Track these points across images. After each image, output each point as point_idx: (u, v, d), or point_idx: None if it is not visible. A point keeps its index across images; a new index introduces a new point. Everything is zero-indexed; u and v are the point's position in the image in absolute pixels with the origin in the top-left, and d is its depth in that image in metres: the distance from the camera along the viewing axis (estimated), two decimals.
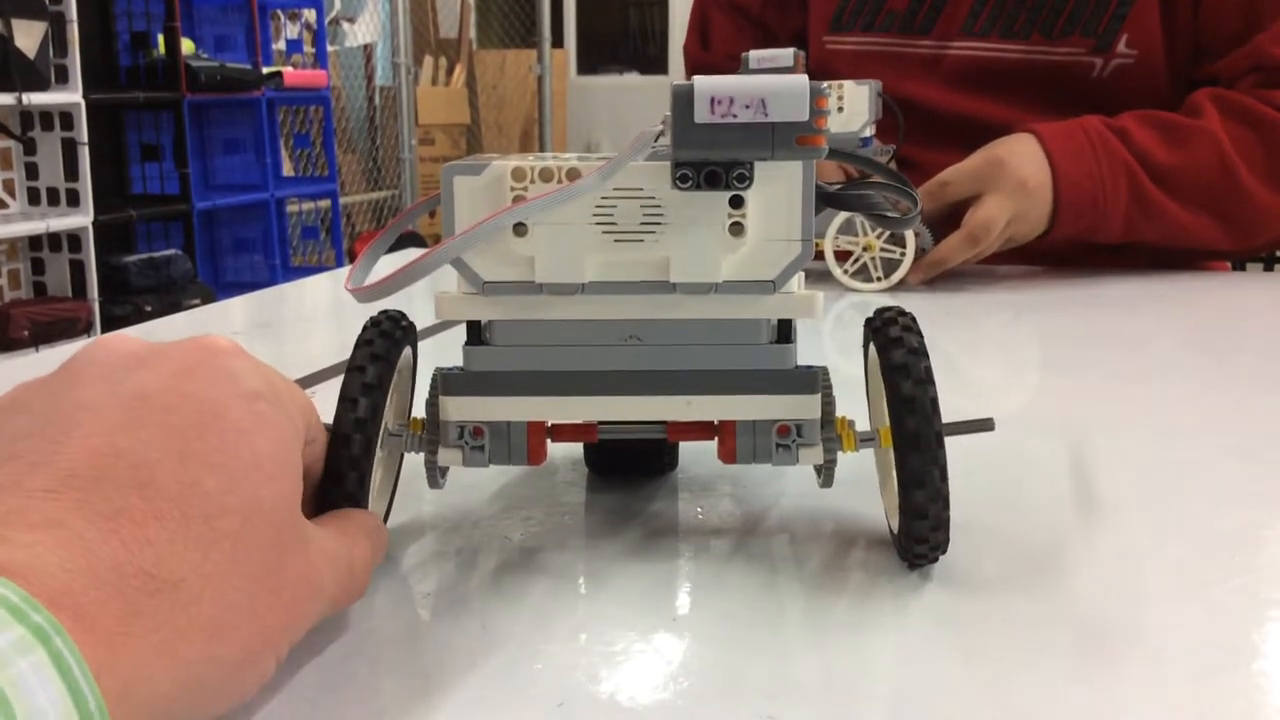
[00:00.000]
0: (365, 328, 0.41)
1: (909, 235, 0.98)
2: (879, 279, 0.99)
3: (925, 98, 1.17)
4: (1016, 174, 1.01)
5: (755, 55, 0.95)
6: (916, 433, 0.38)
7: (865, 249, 0.99)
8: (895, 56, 1.18)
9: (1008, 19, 1.14)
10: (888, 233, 0.97)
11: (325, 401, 0.39)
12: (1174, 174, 1.02)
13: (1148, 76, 1.11)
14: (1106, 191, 1.01)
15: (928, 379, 0.39)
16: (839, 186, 0.43)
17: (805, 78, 0.36)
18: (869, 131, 0.99)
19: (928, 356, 0.39)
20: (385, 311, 0.42)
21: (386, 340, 0.40)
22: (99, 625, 0.25)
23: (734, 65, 1.28)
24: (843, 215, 0.98)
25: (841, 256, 1.00)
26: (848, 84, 0.96)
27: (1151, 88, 1.10)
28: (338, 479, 0.39)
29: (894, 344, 0.40)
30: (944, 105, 1.17)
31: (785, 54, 0.94)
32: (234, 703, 0.30)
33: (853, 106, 0.97)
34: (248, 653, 0.30)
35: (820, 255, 0.99)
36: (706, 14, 1.35)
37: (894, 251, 0.98)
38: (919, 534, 0.39)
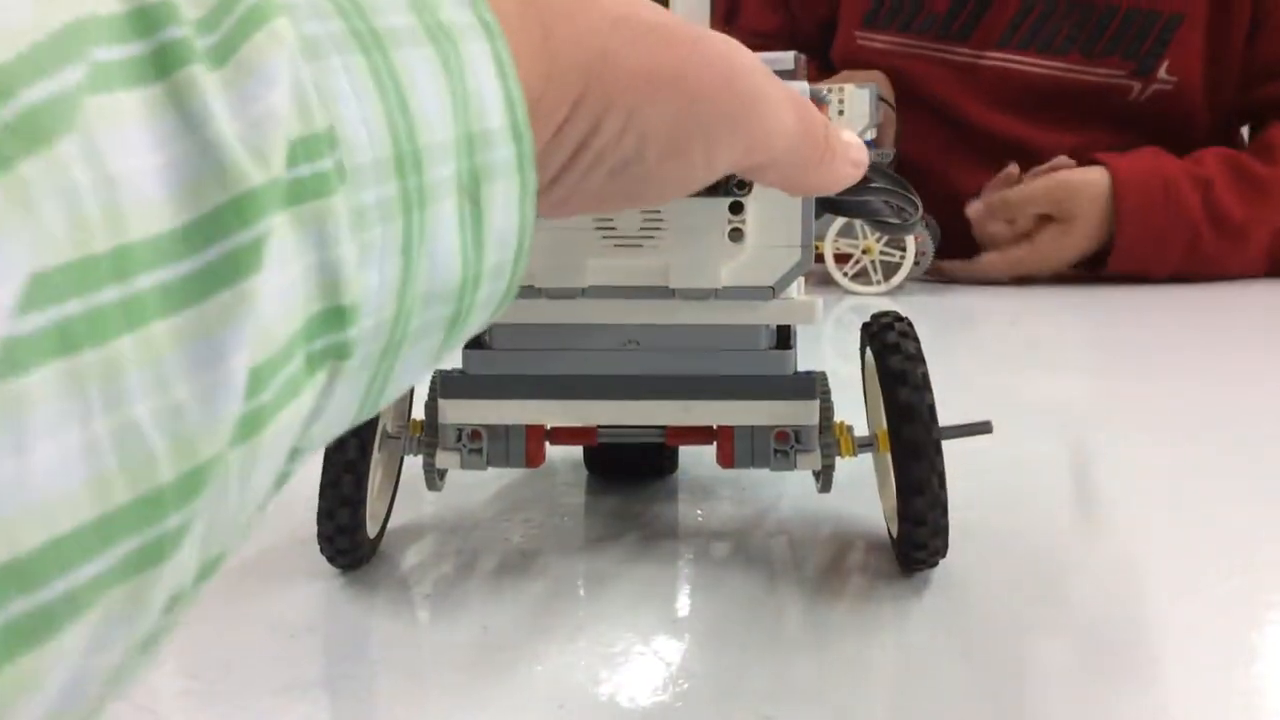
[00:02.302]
0: None
1: (909, 239, 0.99)
2: (879, 282, 0.99)
3: (956, 107, 1.16)
4: (1083, 210, 1.02)
5: (759, 58, 0.95)
6: (915, 440, 0.38)
7: (865, 252, 0.99)
8: (929, 60, 1.17)
9: (1049, 34, 1.13)
10: (888, 236, 0.98)
11: None
12: (1245, 229, 1.01)
13: (1185, 103, 1.10)
14: (1162, 257, 1.01)
15: (925, 385, 0.39)
16: (839, 191, 0.43)
17: (805, 84, 0.36)
18: (870, 135, 0.99)
19: (925, 362, 0.39)
20: None
21: None
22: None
23: (757, 44, 1.27)
24: (842, 219, 0.98)
25: (841, 259, 1.00)
26: (848, 87, 0.97)
27: (1187, 115, 1.09)
28: (334, 483, 0.39)
29: (891, 350, 0.40)
30: (974, 118, 1.16)
31: (785, 57, 0.94)
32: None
33: (853, 110, 0.98)
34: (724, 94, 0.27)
35: (820, 258, 0.99)
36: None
37: (893, 254, 0.99)
38: (918, 540, 0.39)
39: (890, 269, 0.99)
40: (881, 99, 1.01)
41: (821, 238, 0.99)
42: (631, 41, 0.25)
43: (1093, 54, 1.12)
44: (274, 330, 0.16)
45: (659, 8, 0.27)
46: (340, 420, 0.20)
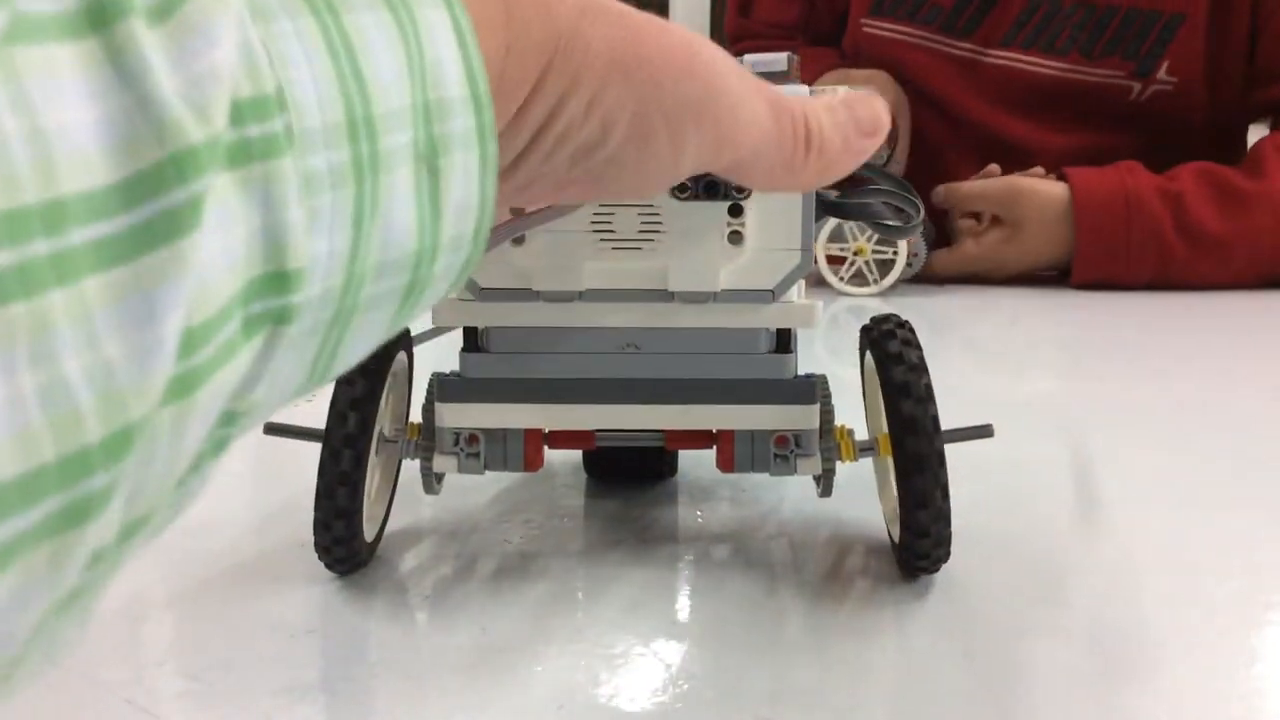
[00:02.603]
0: None
1: (899, 254, 0.99)
2: (875, 281, 0.99)
3: (956, 103, 1.17)
4: (1031, 217, 1.03)
5: (750, 59, 0.95)
6: (918, 453, 0.38)
7: (857, 253, 0.99)
8: (931, 53, 1.17)
9: (1051, 34, 1.13)
10: (877, 236, 0.98)
11: (322, 406, 0.40)
12: (1225, 242, 1.01)
13: (1186, 104, 1.10)
14: (1129, 269, 1.01)
15: (928, 397, 0.39)
16: (840, 194, 0.43)
17: (805, 86, 0.36)
18: None
19: (928, 372, 0.39)
20: None
21: (376, 351, 0.40)
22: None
23: (774, 35, 1.28)
24: (832, 222, 0.98)
25: (834, 262, 1.00)
26: (841, 89, 0.97)
27: (1188, 116, 1.09)
28: (329, 493, 0.39)
29: (894, 360, 0.39)
30: (974, 114, 1.16)
31: (779, 58, 0.94)
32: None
33: None
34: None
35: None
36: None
37: (886, 251, 0.99)
38: (921, 551, 0.39)
39: (885, 267, 0.99)
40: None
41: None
42: (597, 23, 0.25)
43: (1093, 54, 1.12)
44: (211, 291, 0.16)
45: (626, 6, 0.27)
46: (286, 387, 0.20)
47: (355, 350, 0.21)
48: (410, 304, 0.22)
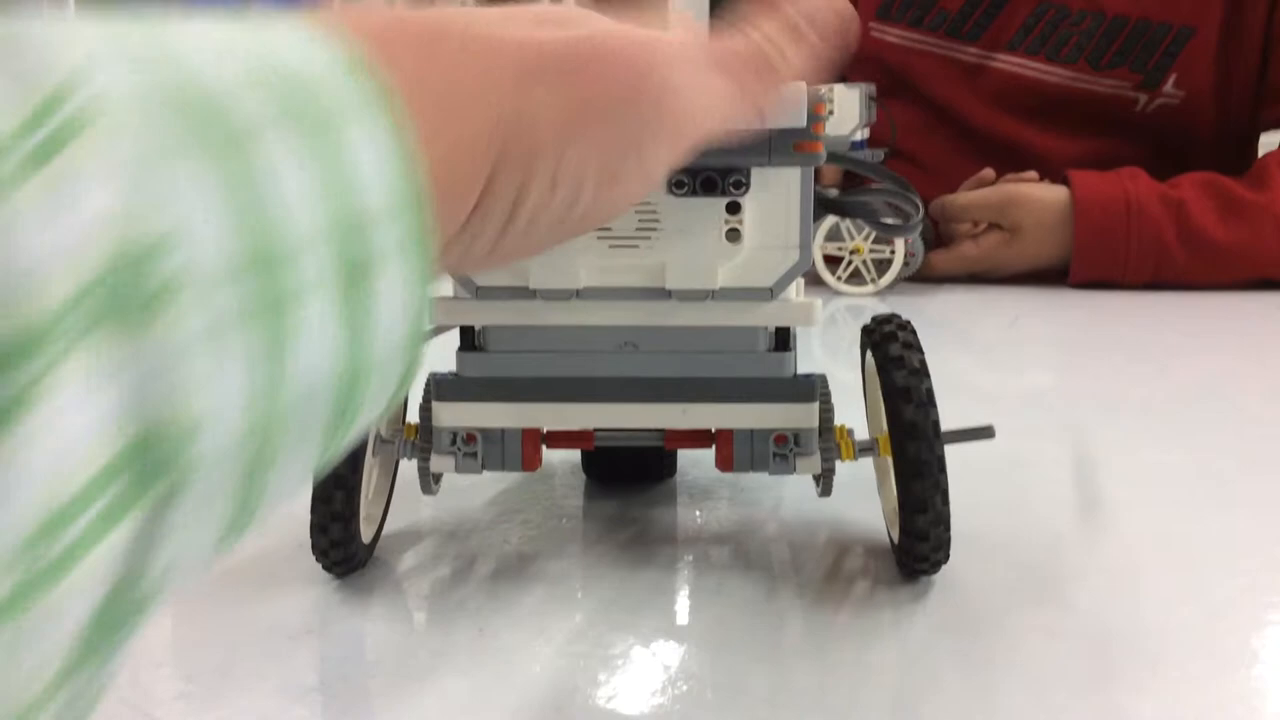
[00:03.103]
0: None
1: (896, 253, 0.98)
2: (873, 280, 0.99)
3: (960, 108, 1.17)
4: (1029, 222, 1.03)
5: None
6: (919, 459, 0.38)
7: (854, 252, 0.99)
8: (937, 58, 1.17)
9: (1058, 41, 1.13)
10: (874, 234, 0.97)
11: None
12: (1227, 250, 1.01)
13: (1192, 117, 1.10)
14: (1127, 271, 1.01)
15: (929, 401, 0.38)
16: (839, 192, 0.43)
17: (803, 84, 0.36)
18: (860, 135, 0.99)
19: (929, 375, 0.39)
20: None
21: None
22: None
23: None
24: (829, 220, 0.98)
25: (830, 261, 1.00)
26: (838, 87, 0.96)
27: (1194, 129, 1.09)
28: (326, 496, 0.39)
29: (895, 363, 0.39)
30: (977, 120, 1.16)
31: None
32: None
33: (843, 110, 0.97)
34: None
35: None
36: None
37: (883, 250, 0.98)
38: (920, 554, 0.39)
39: (882, 266, 0.99)
40: (873, 99, 1.00)
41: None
42: (535, 92, 0.24)
43: (1099, 64, 1.12)
44: (69, 469, 0.14)
45: (554, 13, 0.26)
46: (200, 547, 0.18)
47: (283, 490, 0.19)
48: (344, 430, 0.20)
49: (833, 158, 0.41)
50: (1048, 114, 1.14)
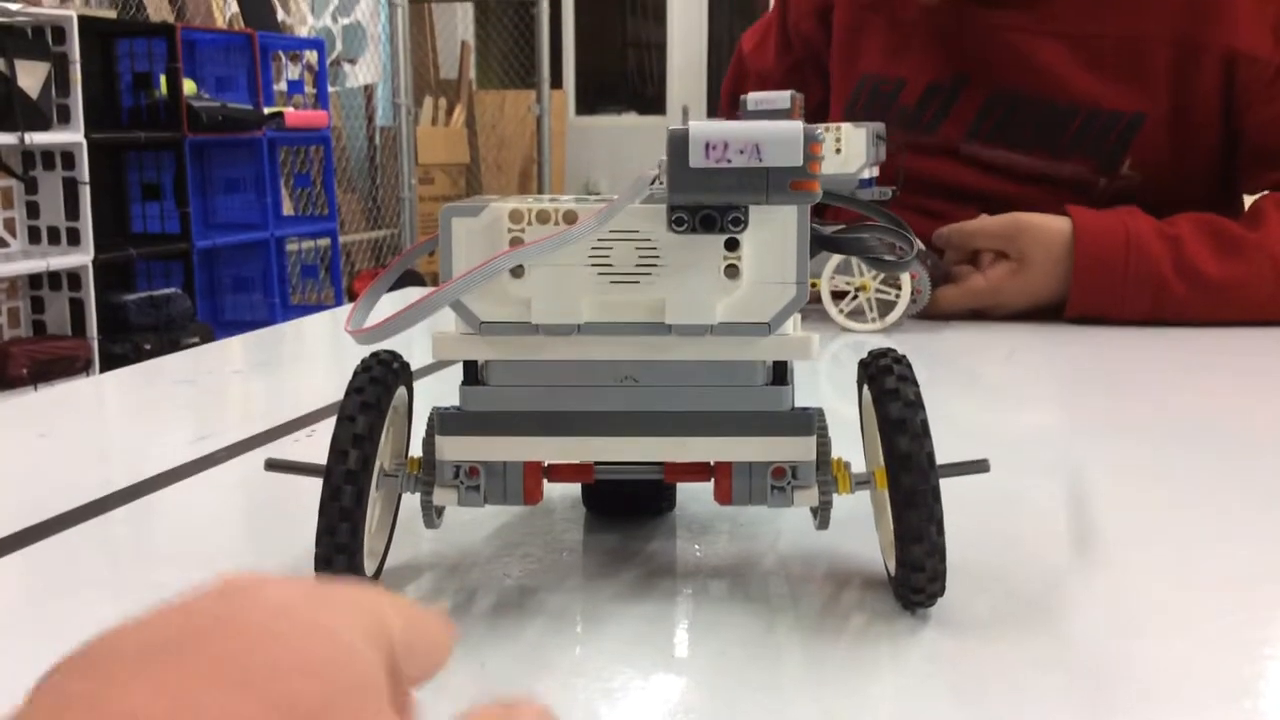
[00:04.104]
0: (356, 373, 0.41)
1: (905, 277, 0.98)
2: (874, 320, 0.99)
3: (948, 179, 1.18)
4: (1036, 251, 1.03)
5: (753, 98, 0.95)
6: (913, 489, 0.38)
7: (861, 289, 0.99)
8: (909, 144, 1.19)
9: (1014, 132, 1.15)
10: (882, 274, 0.98)
11: (323, 442, 0.40)
12: (1223, 287, 1.01)
13: (1153, 195, 1.11)
14: (1124, 304, 1.01)
15: (924, 433, 0.39)
16: (835, 229, 0.44)
17: (800, 123, 0.37)
18: (868, 174, 0.99)
19: (924, 408, 0.39)
20: (376, 354, 0.42)
21: (377, 387, 0.41)
22: None
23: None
24: (839, 255, 0.98)
25: (838, 296, 1.00)
26: (845, 126, 0.97)
27: (1158, 204, 1.09)
28: (330, 530, 0.39)
29: (890, 396, 0.40)
30: (963, 181, 1.17)
31: (782, 96, 0.94)
32: None
33: (850, 149, 0.98)
34: None
35: (816, 296, 1.00)
36: (739, 76, 1.39)
37: (889, 293, 0.99)
38: (916, 585, 0.39)
39: (885, 307, 0.99)
40: (881, 138, 1.01)
41: (818, 275, 0.99)
42: None
43: (1057, 152, 1.14)
44: None
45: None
46: None
47: None
48: None
49: (829, 196, 0.41)
50: (1024, 182, 1.15)
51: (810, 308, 1.06)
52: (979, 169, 1.17)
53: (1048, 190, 1.11)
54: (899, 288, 0.98)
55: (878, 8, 1.20)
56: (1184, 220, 1.03)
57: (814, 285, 0.98)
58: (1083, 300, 1.02)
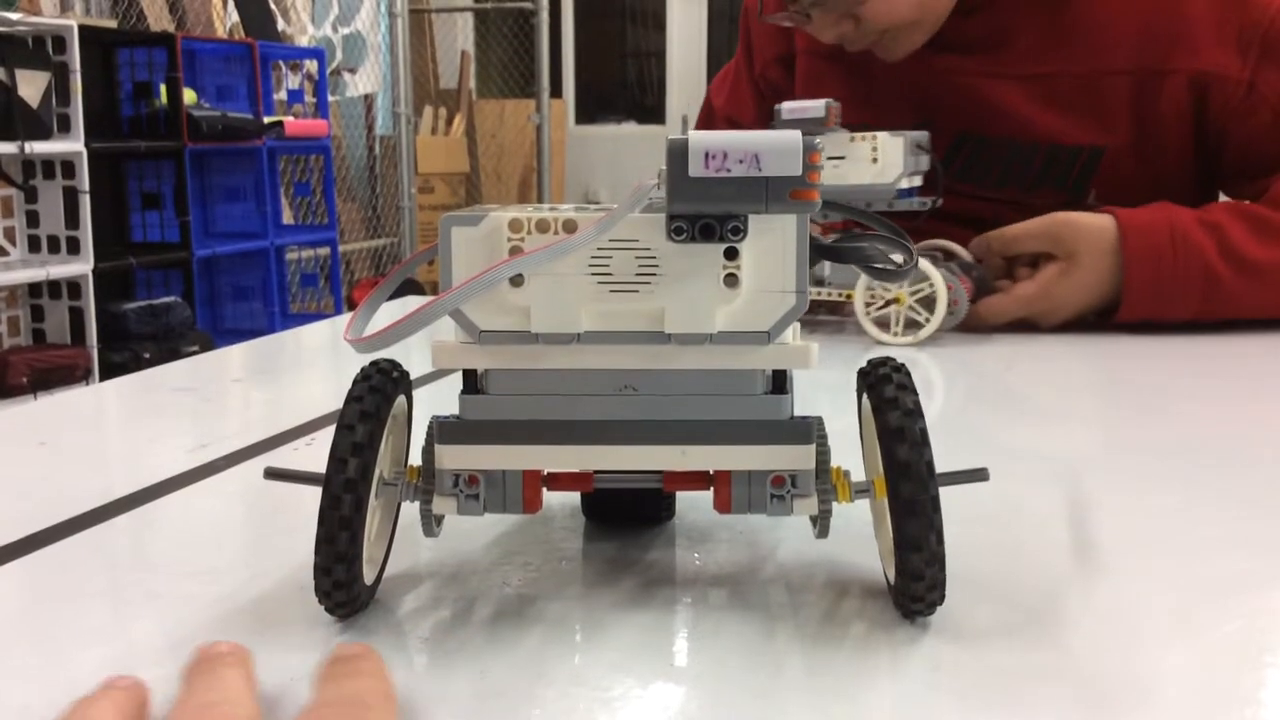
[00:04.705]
0: (355, 382, 0.41)
1: (941, 289, 0.92)
2: (895, 334, 0.94)
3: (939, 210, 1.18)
4: (1084, 247, 1.00)
5: (787, 106, 0.93)
6: (912, 498, 0.38)
7: (895, 301, 0.94)
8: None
9: (983, 169, 1.16)
10: (922, 291, 0.93)
11: (322, 450, 0.40)
12: (1267, 271, 1.00)
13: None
14: (1176, 297, 0.99)
15: (923, 441, 0.39)
16: (834, 238, 0.44)
17: (798, 133, 0.37)
18: (906, 183, 0.95)
19: (923, 416, 0.39)
20: (376, 363, 0.42)
21: (376, 395, 0.41)
22: None
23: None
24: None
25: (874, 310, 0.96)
26: (881, 135, 0.93)
27: None
28: (330, 538, 0.39)
29: (889, 404, 0.40)
30: (946, 208, 1.17)
31: (817, 105, 0.93)
32: None
33: (887, 158, 0.93)
34: None
35: (838, 308, 0.97)
36: (710, 122, 1.40)
37: (920, 314, 0.94)
38: (915, 594, 0.39)
39: (912, 325, 0.94)
40: (921, 147, 0.97)
41: (851, 286, 0.95)
42: None
43: (1025, 186, 1.15)
44: None
45: None
46: None
47: None
48: None
49: (827, 205, 0.41)
50: (992, 217, 1.14)
51: (843, 319, 1.05)
52: (957, 195, 1.17)
53: (1026, 214, 1.11)
54: (932, 313, 0.93)
55: (836, 57, 1.19)
56: (1217, 209, 1.02)
57: (848, 298, 0.95)
58: (1136, 294, 0.99)
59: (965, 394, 0.84)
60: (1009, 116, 1.14)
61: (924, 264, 0.93)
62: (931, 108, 1.16)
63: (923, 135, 0.97)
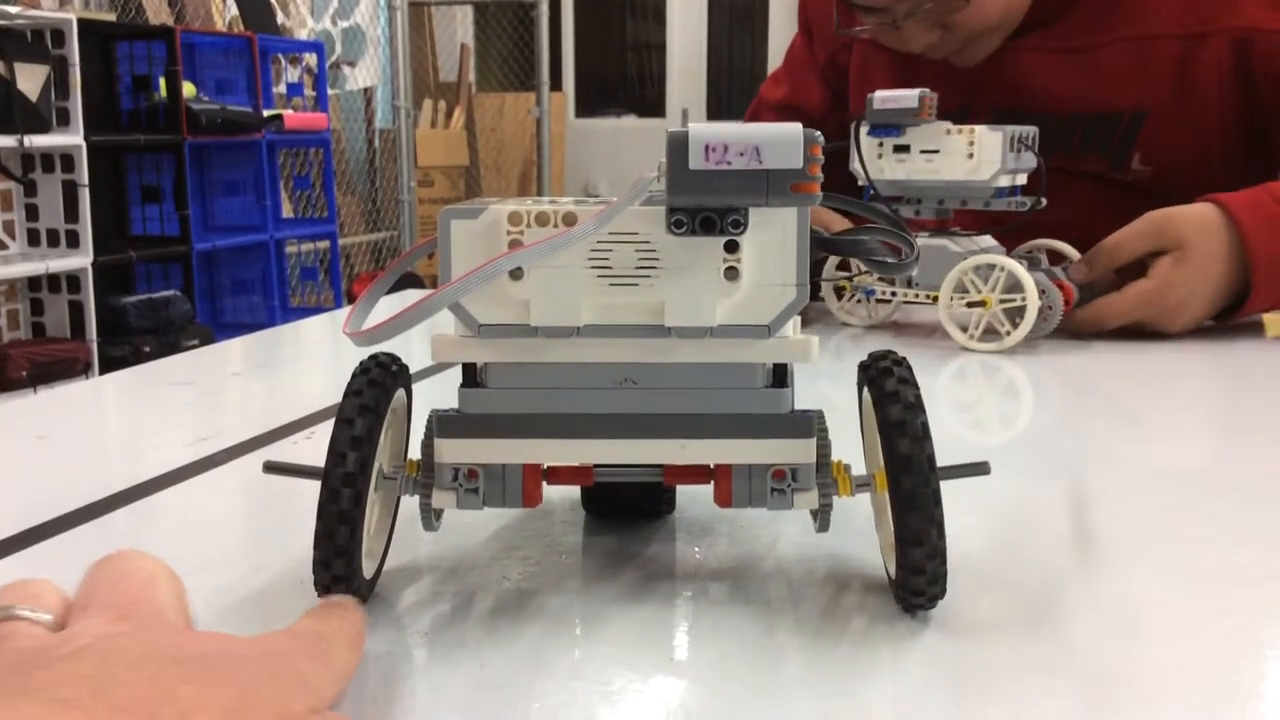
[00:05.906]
0: (354, 375, 0.41)
1: (1031, 294, 0.86)
2: (1006, 333, 0.88)
3: None
4: (1191, 232, 0.94)
5: (880, 96, 0.90)
6: (913, 492, 0.38)
7: (982, 304, 0.88)
8: None
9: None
10: (1013, 300, 0.87)
11: (322, 444, 0.40)
12: None
13: (1167, 185, 1.10)
14: None
15: (925, 435, 0.39)
16: (835, 232, 0.43)
17: (799, 125, 0.36)
18: (1004, 181, 0.89)
19: (924, 410, 0.39)
20: (375, 357, 0.42)
21: (376, 389, 0.41)
22: None
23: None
24: (955, 274, 0.89)
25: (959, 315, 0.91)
26: (980, 129, 0.87)
27: (1172, 194, 1.04)
28: (329, 532, 0.39)
29: (891, 398, 0.40)
30: None
31: (910, 95, 0.90)
32: None
33: (983, 154, 0.88)
34: None
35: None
36: (757, 115, 1.39)
37: (1003, 325, 0.88)
38: (916, 587, 0.39)
39: (990, 335, 0.89)
40: (1023, 142, 0.91)
41: (935, 286, 0.89)
42: None
43: (1071, 153, 1.16)
44: None
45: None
46: None
47: None
48: None
49: (828, 198, 0.41)
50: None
51: (932, 323, 1.00)
52: None
53: (1074, 181, 1.11)
54: (1014, 328, 0.87)
55: (882, 46, 1.20)
56: None
57: (931, 296, 0.90)
58: (1265, 267, 0.92)
59: (956, 386, 0.84)
60: (1046, 91, 1.14)
61: (1017, 270, 0.87)
62: (972, 90, 1.17)
63: (1028, 130, 0.91)
